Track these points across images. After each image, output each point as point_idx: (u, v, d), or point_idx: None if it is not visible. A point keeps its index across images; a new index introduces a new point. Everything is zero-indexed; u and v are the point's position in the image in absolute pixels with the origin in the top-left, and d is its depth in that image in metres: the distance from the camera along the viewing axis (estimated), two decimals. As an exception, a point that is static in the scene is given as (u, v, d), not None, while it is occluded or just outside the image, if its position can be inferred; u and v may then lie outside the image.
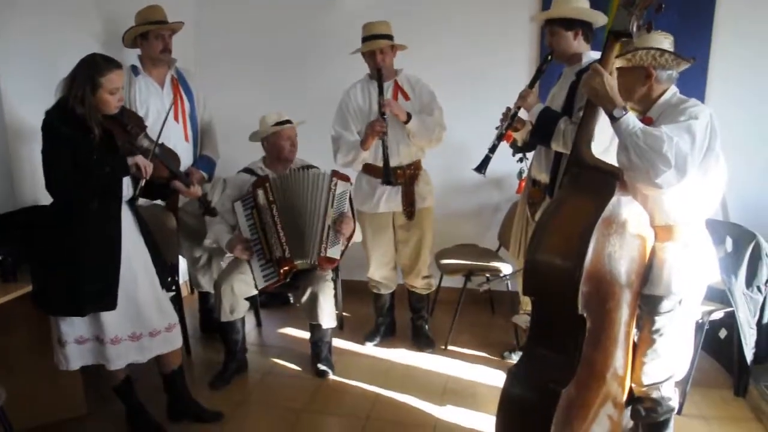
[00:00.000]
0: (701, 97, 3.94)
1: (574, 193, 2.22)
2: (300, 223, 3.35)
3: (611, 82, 2.15)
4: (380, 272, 3.83)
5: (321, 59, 4.49)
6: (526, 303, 3.54)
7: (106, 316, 2.58)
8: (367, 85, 3.57)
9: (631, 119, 2.10)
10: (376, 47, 3.40)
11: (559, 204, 2.21)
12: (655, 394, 2.39)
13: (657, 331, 2.30)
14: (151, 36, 3.48)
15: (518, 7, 4.10)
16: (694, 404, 3.15)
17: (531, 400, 2.14)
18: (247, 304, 3.44)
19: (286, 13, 4.51)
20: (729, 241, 3.23)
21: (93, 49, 2.61)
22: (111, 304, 2.56)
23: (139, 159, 2.58)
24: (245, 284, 3.36)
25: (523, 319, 3.42)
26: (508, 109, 3.15)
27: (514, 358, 3.64)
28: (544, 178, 3.14)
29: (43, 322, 2.64)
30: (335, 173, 3.47)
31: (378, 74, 3.42)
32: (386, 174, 3.40)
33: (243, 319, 3.48)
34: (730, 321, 3.17)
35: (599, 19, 3.04)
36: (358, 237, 3.58)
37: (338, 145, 3.59)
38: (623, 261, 2.15)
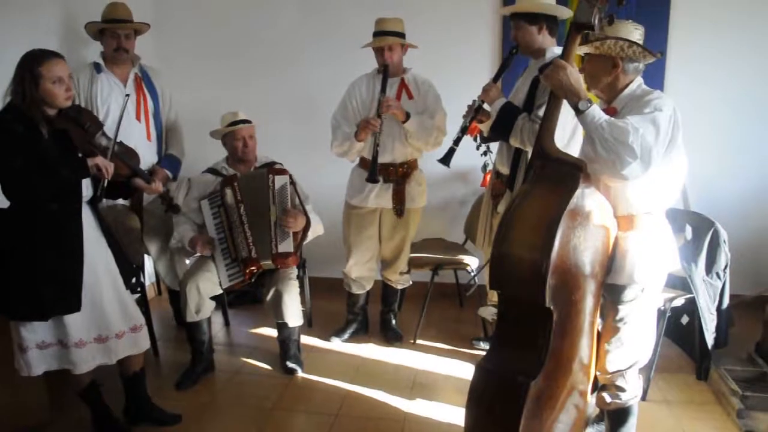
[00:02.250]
0: (660, 88, 4.01)
1: (538, 185, 2.23)
2: (261, 223, 3.34)
3: (575, 74, 2.16)
4: (358, 269, 3.81)
5: (290, 55, 4.46)
6: (493, 295, 3.57)
7: (70, 319, 2.53)
8: (373, 79, 3.57)
9: (597, 111, 2.11)
10: (385, 44, 3.40)
11: (524, 197, 2.21)
12: (619, 381, 2.43)
13: (621, 319, 2.33)
14: (107, 34, 3.44)
15: (482, 2, 4.12)
16: (658, 389, 3.21)
17: (500, 393, 2.14)
18: (213, 303, 3.40)
19: (249, 7, 4.47)
20: (689, 229, 3.30)
21: (48, 46, 2.54)
22: (75, 306, 2.51)
23: (99, 160, 2.52)
24: (211, 283, 3.32)
25: (488, 311, 3.46)
26: (474, 101, 3.17)
27: (483, 345, 3.68)
28: (506, 170, 3.18)
29: (3, 326, 2.56)
30: (270, 169, 3.45)
31: (384, 70, 3.42)
32: (372, 170, 3.40)
33: (209, 319, 3.44)
34: (692, 307, 3.24)
35: (563, 13, 3.07)
36: (318, 230, 3.57)
37: (335, 134, 3.60)
38: (588, 252, 2.17)
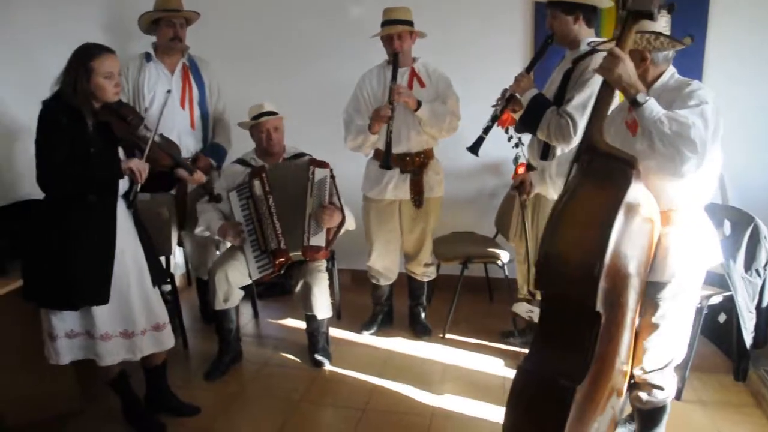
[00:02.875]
0: (698, 77, 3.90)
1: (586, 182, 2.10)
2: (292, 215, 3.33)
3: (631, 65, 2.04)
4: (382, 262, 3.79)
5: (321, 48, 4.43)
6: (523, 289, 3.51)
7: (97, 311, 2.55)
8: (383, 70, 3.55)
9: (655, 105, 2.00)
10: (394, 32, 3.36)
11: (572, 194, 2.09)
12: (657, 380, 2.37)
13: (661, 316, 2.26)
14: (163, 23, 3.52)
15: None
16: (693, 390, 3.13)
17: (544, 397, 2.07)
18: (241, 293, 3.41)
19: (275, 4, 4.46)
20: (727, 225, 3.20)
21: (94, 39, 2.57)
22: (104, 298, 2.53)
23: (134, 163, 2.52)
24: (240, 273, 3.33)
25: (523, 308, 3.39)
26: (505, 90, 3.11)
27: (513, 341, 3.63)
28: (536, 163, 3.12)
29: (35, 317, 2.60)
30: (312, 161, 3.44)
31: (394, 59, 3.39)
32: (385, 158, 3.38)
33: (237, 308, 3.45)
34: (729, 305, 3.15)
35: (602, 3, 2.98)
36: (350, 225, 3.55)
37: (348, 128, 3.58)
38: (636, 249, 2.07)
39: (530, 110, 2.98)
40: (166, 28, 3.52)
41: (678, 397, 3.01)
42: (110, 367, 2.70)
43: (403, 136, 3.47)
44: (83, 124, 2.45)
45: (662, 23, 2.14)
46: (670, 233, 2.20)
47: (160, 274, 2.82)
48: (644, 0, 2.02)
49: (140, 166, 2.53)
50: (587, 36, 2.98)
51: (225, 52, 4.23)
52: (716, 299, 3.10)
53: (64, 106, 2.43)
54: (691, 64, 3.85)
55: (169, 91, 2.93)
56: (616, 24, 2.24)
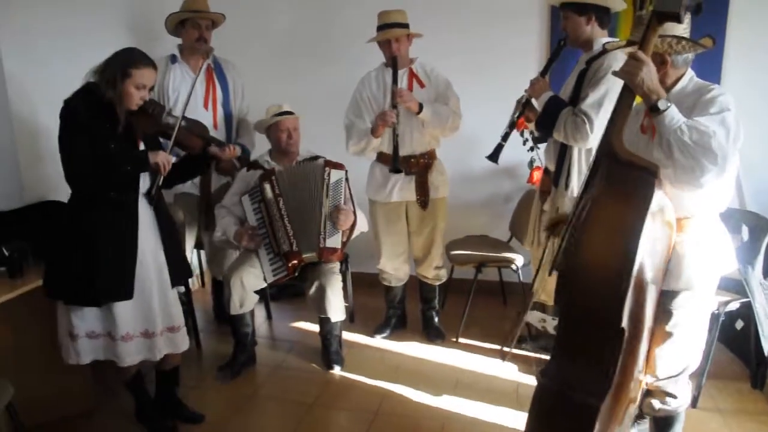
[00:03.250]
0: (717, 81, 3.85)
1: (608, 192, 2.01)
2: (305, 216, 3.34)
3: (654, 70, 1.99)
4: (391, 263, 3.79)
5: (334, 49, 4.45)
6: (540, 295, 3.45)
7: (120, 311, 2.56)
8: (382, 73, 3.55)
9: (675, 112, 1.94)
10: (391, 36, 3.36)
11: (596, 205, 2.01)
12: (670, 388, 2.34)
13: (675, 324, 2.23)
14: (189, 24, 3.56)
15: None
16: (710, 397, 3.09)
17: (566, 412, 2.03)
18: (256, 297, 3.43)
19: (293, 6, 4.50)
20: (745, 230, 3.16)
21: (109, 44, 2.60)
22: (128, 294, 2.55)
23: (160, 157, 2.55)
24: (255, 277, 3.34)
25: (535, 317, 3.36)
26: (522, 96, 3.10)
27: (525, 346, 3.60)
28: (553, 166, 3.10)
29: (51, 318, 2.62)
30: (327, 162, 3.44)
31: (393, 63, 3.39)
32: (394, 162, 3.38)
33: (252, 312, 3.47)
34: (747, 312, 3.11)
35: (616, 5, 2.96)
36: (363, 227, 3.55)
37: (350, 133, 3.58)
38: (656, 257, 2.02)
39: (546, 112, 2.97)
40: (192, 30, 3.56)
41: (694, 404, 2.98)
42: (129, 367, 2.72)
43: (406, 139, 3.47)
44: (108, 121, 2.47)
45: (683, 25, 2.07)
46: (685, 241, 2.16)
47: (181, 274, 2.83)
48: (671, 1, 1.92)
49: (165, 159, 2.56)
50: (601, 37, 2.96)
51: (241, 54, 4.25)
52: (733, 306, 3.06)
53: (89, 103, 2.45)
54: (710, 68, 3.82)
55: (195, 77, 2.98)
56: (632, 26, 2.19)
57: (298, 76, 4.50)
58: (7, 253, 2.67)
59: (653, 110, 1.96)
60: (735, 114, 1.97)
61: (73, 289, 2.52)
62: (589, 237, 1.98)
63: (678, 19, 1.95)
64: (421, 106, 3.37)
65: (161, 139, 2.79)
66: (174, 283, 2.75)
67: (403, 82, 3.46)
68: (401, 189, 3.59)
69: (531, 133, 3.47)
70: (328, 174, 3.38)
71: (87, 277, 2.49)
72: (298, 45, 4.52)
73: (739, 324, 3.30)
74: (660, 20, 1.97)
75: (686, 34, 2.09)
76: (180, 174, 2.83)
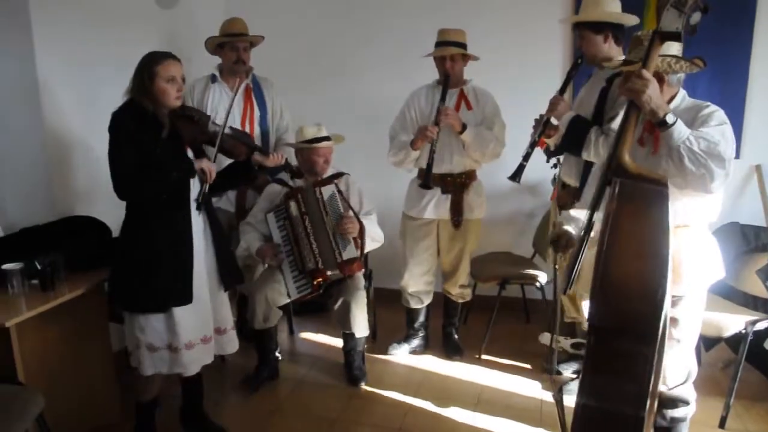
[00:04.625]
0: (742, 98, 3.85)
1: (625, 208, 2.03)
2: (322, 235, 3.35)
3: (657, 87, 2.06)
4: (414, 284, 3.78)
5: (357, 67, 4.53)
6: (570, 311, 3.40)
7: (181, 319, 2.62)
8: (433, 90, 3.58)
9: (682, 125, 2.03)
10: (447, 53, 3.40)
11: (615, 224, 2.01)
12: (681, 394, 2.37)
13: (680, 330, 2.29)
14: (227, 47, 3.64)
15: (550, 12, 4.06)
16: (738, 417, 3.05)
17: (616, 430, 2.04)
18: (280, 312, 3.45)
19: (320, 19, 4.58)
20: (774, 249, 3.13)
21: (135, 59, 2.65)
22: (188, 298, 2.61)
23: (205, 163, 2.62)
24: (279, 293, 3.37)
25: (546, 338, 3.35)
26: (540, 116, 3.12)
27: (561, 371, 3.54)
28: (573, 182, 3.11)
29: (80, 331, 2.66)
30: (315, 182, 3.41)
31: (444, 80, 3.42)
32: (426, 177, 3.41)
33: (276, 327, 3.49)
34: (775, 331, 3.07)
35: (630, 21, 2.99)
36: (378, 238, 3.51)
37: (392, 143, 3.63)
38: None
39: (571, 132, 2.98)
40: (230, 52, 3.63)
41: (722, 425, 2.95)
42: (151, 387, 2.76)
43: (446, 157, 3.49)
44: (153, 128, 2.53)
45: (677, 46, 2.19)
46: (682, 247, 2.22)
47: (231, 277, 2.88)
48: (673, 21, 2.04)
49: (209, 166, 2.63)
50: (617, 54, 2.98)
51: (275, 69, 4.33)
52: (761, 325, 3.02)
53: (133, 114, 2.51)
54: (736, 84, 3.83)
55: (236, 90, 3.04)
56: (630, 46, 2.27)
57: (330, 90, 4.58)
58: (39, 267, 2.72)
59: (661, 125, 2.04)
60: (730, 129, 2.09)
61: (136, 296, 2.59)
62: (616, 254, 1.99)
63: (679, 39, 2.07)
64: (464, 127, 3.39)
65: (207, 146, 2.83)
66: (225, 286, 2.82)
67: (451, 101, 3.50)
68: (436, 206, 3.60)
69: (546, 146, 3.45)
70: (320, 192, 3.35)
71: (149, 283, 2.56)
72: (319, 59, 4.60)
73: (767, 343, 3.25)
74: (662, 39, 2.07)
75: (680, 54, 2.20)
76: (226, 181, 2.90)
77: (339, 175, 3.54)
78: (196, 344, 2.68)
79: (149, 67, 2.53)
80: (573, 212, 2.66)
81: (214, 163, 2.69)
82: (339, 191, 3.41)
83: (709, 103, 2.18)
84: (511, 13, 4.19)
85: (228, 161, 3.00)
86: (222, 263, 2.80)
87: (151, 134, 2.53)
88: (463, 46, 3.44)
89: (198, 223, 2.70)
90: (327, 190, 3.38)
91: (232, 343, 2.88)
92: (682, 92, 2.26)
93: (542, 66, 4.14)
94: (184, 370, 2.69)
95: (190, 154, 2.69)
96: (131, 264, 2.61)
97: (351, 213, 3.39)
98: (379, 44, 4.45)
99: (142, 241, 2.59)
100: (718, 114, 2.11)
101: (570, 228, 2.52)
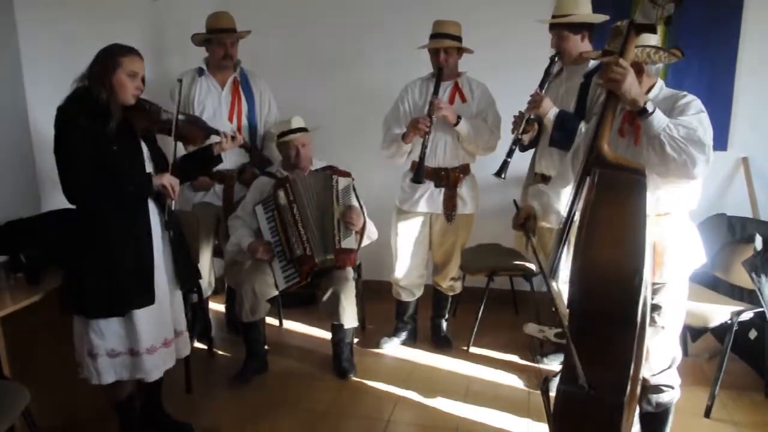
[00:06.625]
0: (730, 91, 3.88)
1: (604, 197, 2.07)
2: (317, 223, 3.37)
3: (635, 77, 2.09)
4: (406, 277, 3.78)
5: (359, 58, 4.51)
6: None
7: (141, 323, 2.51)
8: (427, 82, 3.57)
9: (660, 114, 2.06)
10: (441, 46, 3.39)
11: (594, 213, 2.06)
12: (666, 380, 2.39)
13: (663, 316, 2.31)
14: (214, 42, 3.61)
15: (533, 9, 4.04)
16: (724, 408, 3.08)
17: (593, 417, 2.04)
18: (268, 305, 3.44)
19: (313, 13, 4.56)
20: (759, 240, 3.16)
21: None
22: (150, 299, 2.52)
23: (166, 179, 2.52)
24: (267, 285, 3.36)
25: (534, 328, 3.38)
26: (520, 113, 3.15)
27: (545, 360, 3.60)
28: (553, 172, 3.14)
29: (66, 325, 2.63)
30: (334, 171, 3.48)
31: (438, 73, 3.41)
32: (417, 171, 3.41)
33: (264, 320, 3.49)
34: (761, 322, 3.10)
35: (600, 19, 3.12)
36: (373, 234, 3.57)
37: (384, 136, 3.62)
38: (648, 250, 2.08)
39: (561, 127, 3.02)
40: (217, 48, 3.60)
41: (707, 414, 2.97)
42: (123, 386, 2.65)
43: (439, 151, 3.49)
44: (105, 121, 2.40)
45: (655, 37, 2.22)
46: (664, 235, 2.25)
47: (187, 277, 2.79)
48: (648, 14, 2.13)
49: (172, 181, 2.54)
50: (588, 49, 3.10)
51: (266, 62, 4.30)
52: (747, 315, 3.05)
53: (82, 107, 2.40)
54: (724, 77, 3.85)
55: (179, 80, 2.93)
56: (609, 37, 2.29)
57: (322, 82, 4.56)
58: (24, 260, 2.70)
59: (641, 114, 2.07)
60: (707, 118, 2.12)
61: (93, 301, 2.45)
62: (594, 241, 2.04)
63: (654, 30, 2.13)
64: (459, 119, 3.39)
65: (167, 135, 2.73)
66: (181, 286, 2.74)
67: (445, 93, 3.49)
68: (429, 200, 3.59)
69: (520, 141, 3.39)
70: (336, 181, 3.41)
71: (108, 286, 2.45)
72: (321, 52, 4.58)
73: (753, 334, 3.28)
74: (638, 31, 2.12)
75: (658, 45, 2.23)
76: (189, 170, 2.83)
77: (348, 173, 3.55)
78: (158, 348, 2.58)
79: (114, 56, 2.42)
80: (542, 186, 2.68)
81: (175, 179, 2.58)
82: (354, 187, 3.46)
83: (686, 93, 2.21)
84: (505, 6, 4.18)
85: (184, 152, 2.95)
86: (178, 262, 2.70)
87: (103, 128, 2.41)
88: (459, 38, 3.43)
89: (155, 221, 2.61)
90: (343, 181, 3.44)
91: (186, 346, 2.80)
92: (660, 83, 2.28)
93: (526, 61, 4.11)
94: (146, 376, 2.58)
95: (145, 150, 2.60)
96: (87, 265, 2.46)
97: (360, 208, 3.43)
98: (373, 36, 4.42)
99: (98, 241, 2.46)
100: (695, 103, 2.14)
101: (534, 204, 2.52)
